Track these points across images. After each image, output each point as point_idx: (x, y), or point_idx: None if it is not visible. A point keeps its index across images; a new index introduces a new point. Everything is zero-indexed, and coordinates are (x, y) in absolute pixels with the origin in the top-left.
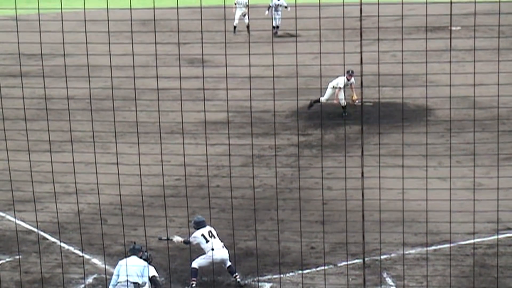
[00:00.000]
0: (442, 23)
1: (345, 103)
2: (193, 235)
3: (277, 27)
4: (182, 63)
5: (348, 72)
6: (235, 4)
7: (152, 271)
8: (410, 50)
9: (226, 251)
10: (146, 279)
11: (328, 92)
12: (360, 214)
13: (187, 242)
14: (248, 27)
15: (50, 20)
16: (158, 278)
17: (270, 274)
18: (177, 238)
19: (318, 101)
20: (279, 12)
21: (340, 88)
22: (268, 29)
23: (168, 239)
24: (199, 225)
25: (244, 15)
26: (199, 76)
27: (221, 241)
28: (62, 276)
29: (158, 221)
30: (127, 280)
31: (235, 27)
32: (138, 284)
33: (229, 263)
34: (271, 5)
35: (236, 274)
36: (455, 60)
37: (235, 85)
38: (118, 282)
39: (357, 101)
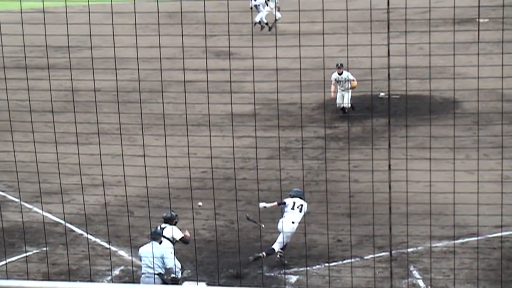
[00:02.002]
0: (470, 15)
1: (341, 106)
2: (287, 199)
3: (259, 22)
4: (209, 56)
5: (337, 65)
6: (256, 7)
7: (178, 234)
8: (437, 42)
9: (291, 228)
10: (170, 263)
11: (338, 95)
12: (387, 207)
13: (280, 203)
14: (267, 24)
15: (77, 12)
16: (184, 237)
17: (296, 266)
18: (270, 204)
19: (343, 109)
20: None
21: (333, 82)
22: (295, 22)
23: (254, 221)
24: (296, 194)
25: (273, 9)
26: (225, 68)
27: (300, 218)
28: (89, 268)
29: (185, 213)
30: (148, 272)
31: (255, 23)
32: (162, 274)
33: (277, 243)
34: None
35: (280, 253)
36: (482, 53)
37: (261, 78)
38: (142, 273)
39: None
